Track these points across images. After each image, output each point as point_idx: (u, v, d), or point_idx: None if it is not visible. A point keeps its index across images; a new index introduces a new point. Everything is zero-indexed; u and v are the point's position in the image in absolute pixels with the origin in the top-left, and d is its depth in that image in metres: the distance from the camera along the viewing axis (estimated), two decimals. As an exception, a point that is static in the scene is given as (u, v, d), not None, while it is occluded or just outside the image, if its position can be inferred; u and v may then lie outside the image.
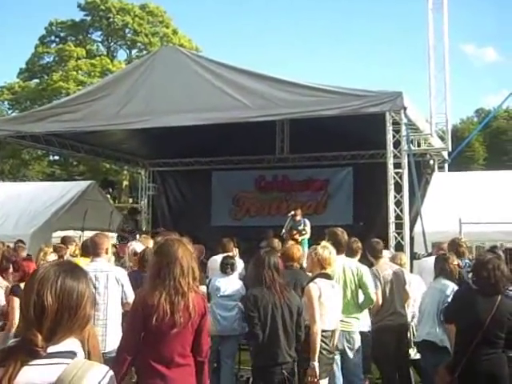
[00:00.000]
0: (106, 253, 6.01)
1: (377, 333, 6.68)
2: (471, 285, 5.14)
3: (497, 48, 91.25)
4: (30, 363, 1.98)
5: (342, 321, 5.99)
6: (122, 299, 5.91)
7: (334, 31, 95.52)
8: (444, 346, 5.99)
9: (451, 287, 6.08)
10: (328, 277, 5.63)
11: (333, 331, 5.62)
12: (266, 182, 17.13)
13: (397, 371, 7.01)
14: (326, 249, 5.71)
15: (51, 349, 2.00)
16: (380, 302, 6.77)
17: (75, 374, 1.97)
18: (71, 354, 2.04)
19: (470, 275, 5.37)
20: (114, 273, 5.95)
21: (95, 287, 5.66)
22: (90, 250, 6.16)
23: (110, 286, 5.80)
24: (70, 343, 2.07)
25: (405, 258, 8.02)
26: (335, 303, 5.60)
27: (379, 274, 6.88)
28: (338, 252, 6.43)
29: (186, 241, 4.06)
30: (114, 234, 14.33)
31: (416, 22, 67.11)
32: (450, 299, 5.87)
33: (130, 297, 5.80)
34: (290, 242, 9.33)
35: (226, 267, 7.55)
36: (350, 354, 6.22)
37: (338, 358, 6.04)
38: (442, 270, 6.33)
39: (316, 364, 5.26)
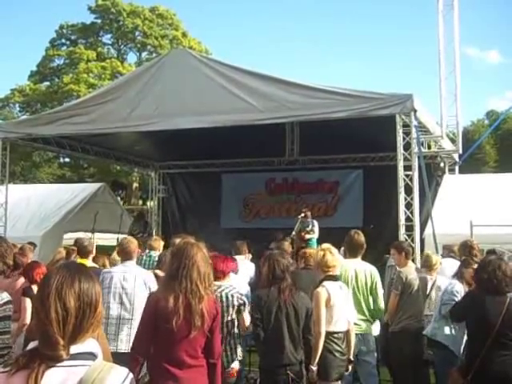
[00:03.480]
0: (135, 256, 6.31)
1: (393, 335, 6.67)
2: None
3: (501, 51, 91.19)
4: (54, 365, 2.00)
5: (354, 323, 6.01)
6: None
7: (343, 34, 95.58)
8: (436, 339, 6.20)
9: (452, 285, 6.28)
10: (334, 278, 5.63)
11: (346, 332, 5.61)
12: (275, 185, 17.13)
13: (412, 374, 7.01)
14: (324, 251, 5.71)
15: (73, 349, 2.03)
16: (394, 304, 6.76)
17: (97, 376, 1.99)
18: (92, 356, 2.07)
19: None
20: (142, 276, 6.12)
21: (123, 287, 5.94)
22: (122, 254, 6.37)
23: (136, 288, 5.94)
24: (90, 343, 2.10)
25: (435, 259, 7.69)
26: (344, 304, 5.60)
27: (404, 277, 6.87)
28: (352, 255, 6.43)
29: (202, 245, 4.08)
30: (123, 236, 14.39)
31: (426, 24, 67.18)
32: (451, 296, 6.04)
33: None
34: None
35: None
36: (365, 356, 6.22)
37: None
38: (457, 274, 6.47)
39: (315, 368, 5.25)
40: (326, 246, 5.88)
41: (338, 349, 5.47)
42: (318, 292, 5.44)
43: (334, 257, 5.72)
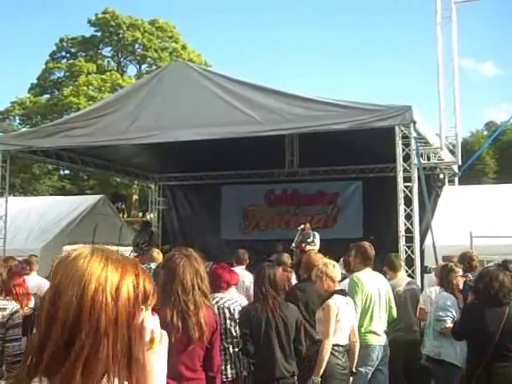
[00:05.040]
0: None
1: None
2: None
3: (495, 62, 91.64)
4: None
5: (379, 335, 6.10)
6: None
7: (343, 45, 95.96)
8: (441, 359, 6.03)
9: (449, 300, 6.11)
10: (343, 293, 5.62)
11: (349, 345, 5.59)
12: (275, 196, 17.14)
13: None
14: (329, 265, 5.71)
15: None
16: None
17: None
18: None
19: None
20: None
21: None
22: None
23: None
24: None
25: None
26: (349, 319, 5.58)
27: (393, 289, 6.87)
28: (366, 265, 6.42)
29: (194, 256, 4.00)
30: (123, 248, 14.37)
31: (424, 34, 67.52)
32: (444, 312, 5.96)
33: None
34: (313, 251, 9.25)
35: None
36: (384, 368, 6.22)
37: (371, 370, 6.06)
38: (442, 280, 6.35)
39: (318, 379, 5.21)
40: (326, 260, 5.91)
41: (338, 362, 5.45)
42: (330, 305, 5.37)
43: (336, 269, 5.73)
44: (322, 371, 5.22)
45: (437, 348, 6.11)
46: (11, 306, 4.03)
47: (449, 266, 6.55)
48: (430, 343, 6.24)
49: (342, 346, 5.49)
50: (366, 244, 6.67)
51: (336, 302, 5.42)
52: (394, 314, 6.53)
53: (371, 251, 6.55)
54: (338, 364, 5.44)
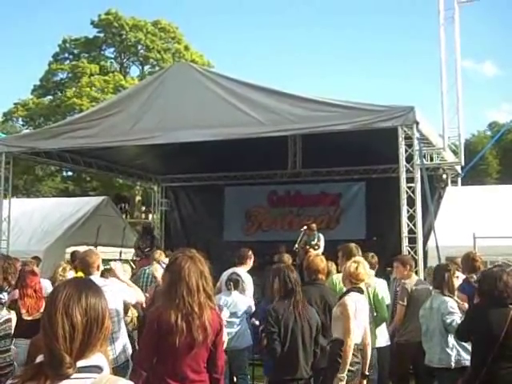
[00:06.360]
0: (98, 269, 5.93)
1: (398, 347, 6.63)
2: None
3: (494, 62, 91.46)
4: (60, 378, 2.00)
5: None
6: (127, 307, 6.03)
7: (345, 46, 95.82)
8: (459, 366, 5.93)
9: (449, 303, 6.06)
10: (361, 291, 5.59)
11: (362, 345, 5.54)
12: (278, 197, 17.11)
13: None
14: (356, 263, 5.67)
15: (80, 363, 2.03)
16: (401, 316, 6.73)
17: None
18: (98, 369, 2.07)
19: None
20: (109, 287, 5.91)
21: None
22: (82, 269, 6.04)
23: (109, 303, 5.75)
24: (98, 358, 2.10)
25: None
26: (364, 319, 5.55)
27: (409, 289, 6.85)
28: None
29: (198, 258, 3.97)
30: (126, 249, 14.38)
31: (426, 35, 67.45)
32: (451, 315, 5.90)
33: (132, 298, 5.95)
34: (313, 253, 9.25)
35: (228, 284, 7.52)
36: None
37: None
38: (440, 282, 6.27)
39: (345, 376, 5.14)
40: (357, 258, 5.87)
41: (355, 359, 5.40)
42: (346, 304, 5.31)
43: (364, 270, 5.66)
44: (346, 369, 5.14)
45: (453, 357, 5.97)
46: (0, 315, 4.03)
47: (443, 266, 6.54)
48: (445, 355, 6.04)
49: (357, 344, 5.43)
50: (352, 245, 6.71)
51: (352, 299, 5.38)
52: (385, 315, 6.51)
53: (357, 252, 6.58)
54: (355, 362, 5.38)
